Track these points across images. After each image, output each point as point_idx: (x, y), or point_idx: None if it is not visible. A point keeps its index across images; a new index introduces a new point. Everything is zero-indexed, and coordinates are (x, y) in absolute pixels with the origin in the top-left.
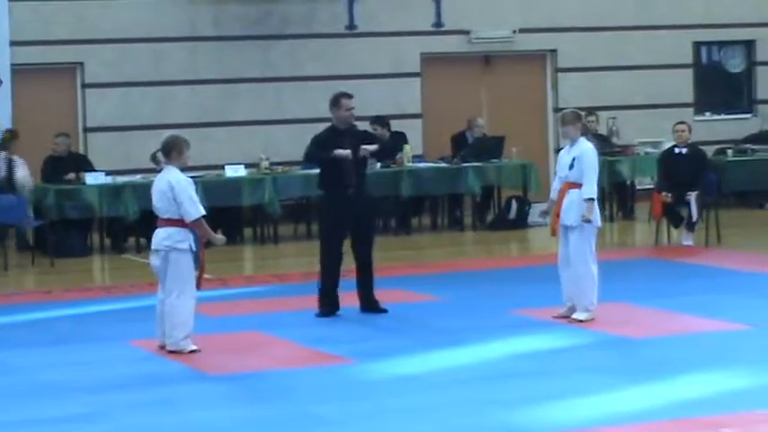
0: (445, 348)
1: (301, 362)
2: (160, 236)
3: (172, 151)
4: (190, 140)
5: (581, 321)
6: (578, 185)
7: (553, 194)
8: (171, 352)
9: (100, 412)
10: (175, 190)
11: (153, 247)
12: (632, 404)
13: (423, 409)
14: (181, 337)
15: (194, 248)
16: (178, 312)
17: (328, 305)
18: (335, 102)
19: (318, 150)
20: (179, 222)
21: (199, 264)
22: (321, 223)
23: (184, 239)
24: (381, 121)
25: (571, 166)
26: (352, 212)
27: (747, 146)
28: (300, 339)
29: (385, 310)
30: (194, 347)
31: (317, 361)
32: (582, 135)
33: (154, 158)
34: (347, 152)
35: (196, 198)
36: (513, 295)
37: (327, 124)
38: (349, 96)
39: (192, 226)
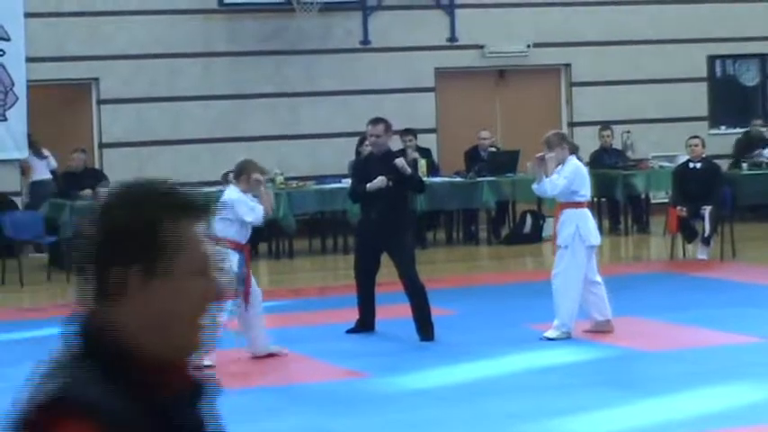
0: (460, 362)
1: (317, 376)
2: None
3: (242, 174)
4: (204, 155)
5: (550, 339)
6: (571, 204)
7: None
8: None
9: None
10: (235, 206)
11: None
12: (647, 418)
13: (437, 423)
14: None
15: (237, 270)
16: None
17: (358, 321)
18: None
19: (354, 185)
20: (230, 243)
21: (243, 283)
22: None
23: (234, 261)
24: (411, 132)
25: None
26: (377, 234)
27: (763, 159)
28: (316, 354)
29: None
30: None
31: (332, 375)
32: (571, 154)
33: (225, 179)
34: (379, 181)
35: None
36: (528, 309)
37: (342, 140)
38: (375, 122)
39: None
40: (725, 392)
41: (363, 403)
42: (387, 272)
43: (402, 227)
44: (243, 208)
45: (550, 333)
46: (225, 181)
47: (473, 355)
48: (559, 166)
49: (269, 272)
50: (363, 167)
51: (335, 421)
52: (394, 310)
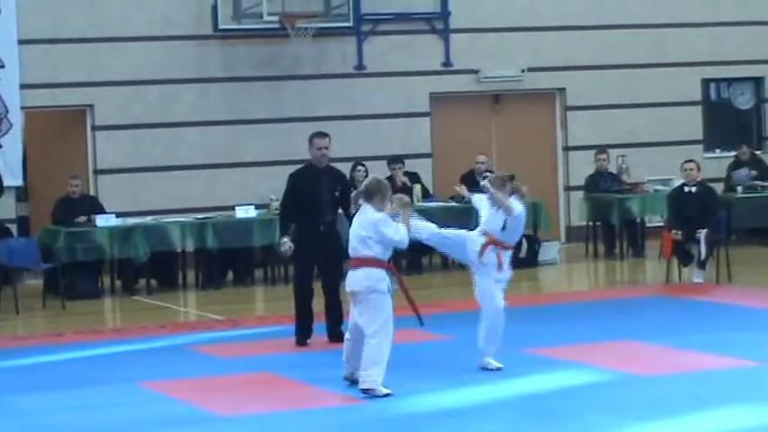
0: (457, 388)
1: (313, 402)
2: (358, 276)
3: (376, 195)
4: (200, 181)
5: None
6: (509, 247)
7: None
8: (364, 390)
9: None
10: (379, 225)
11: (350, 288)
12: None
13: None
14: (378, 379)
15: (390, 288)
16: (377, 352)
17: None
18: (310, 140)
19: (282, 220)
20: (375, 262)
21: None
22: (294, 258)
23: (382, 279)
24: (399, 160)
25: (503, 228)
26: (323, 248)
27: (757, 183)
28: (312, 380)
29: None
30: (387, 391)
31: (328, 401)
32: (511, 195)
33: (355, 200)
34: (287, 248)
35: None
36: (524, 334)
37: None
38: (322, 136)
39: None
40: (722, 416)
41: (361, 430)
42: None
43: (341, 241)
44: (390, 229)
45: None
46: (356, 202)
47: (470, 380)
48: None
49: (265, 298)
50: (308, 176)
51: None
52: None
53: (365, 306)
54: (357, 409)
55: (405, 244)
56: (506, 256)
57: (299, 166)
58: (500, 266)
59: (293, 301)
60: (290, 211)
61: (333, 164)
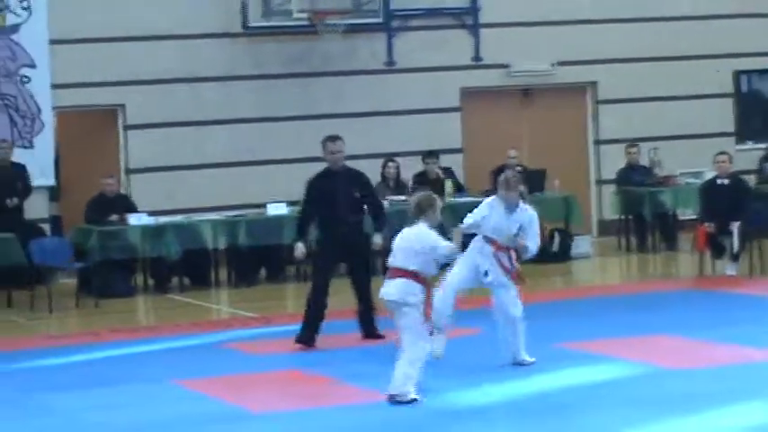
0: (487, 383)
1: (344, 399)
2: (392, 287)
3: (428, 210)
4: (231, 179)
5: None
6: (511, 250)
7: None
8: (391, 396)
9: None
10: (431, 238)
11: (385, 297)
12: None
13: None
14: (410, 388)
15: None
16: (407, 363)
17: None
18: (323, 144)
19: (299, 225)
20: (411, 275)
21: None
22: (315, 258)
23: (417, 293)
24: (434, 155)
25: (517, 234)
26: (348, 250)
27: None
28: (343, 376)
29: (382, 336)
30: (415, 397)
31: (359, 398)
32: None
33: (417, 214)
34: (300, 253)
35: None
36: (557, 328)
37: (368, 161)
38: (334, 140)
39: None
40: (757, 409)
41: (388, 426)
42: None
43: (368, 243)
44: (443, 245)
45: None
46: (417, 216)
47: (500, 374)
48: (502, 209)
49: (296, 294)
50: (325, 180)
51: None
52: None
53: (398, 316)
54: (387, 406)
55: (455, 257)
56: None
57: (318, 170)
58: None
59: (309, 298)
60: (308, 217)
61: (363, 160)
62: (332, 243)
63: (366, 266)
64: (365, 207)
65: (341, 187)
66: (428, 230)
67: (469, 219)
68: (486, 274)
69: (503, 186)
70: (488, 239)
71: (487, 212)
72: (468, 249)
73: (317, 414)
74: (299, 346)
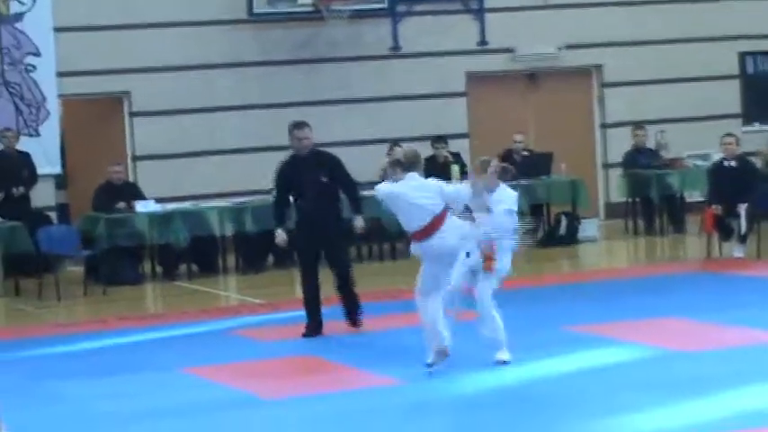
0: (497, 367)
1: (354, 384)
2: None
3: (416, 165)
4: (237, 165)
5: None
6: None
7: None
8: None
9: None
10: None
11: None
12: (687, 418)
13: (474, 429)
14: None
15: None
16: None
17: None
18: (289, 131)
19: (275, 212)
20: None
21: None
22: (295, 244)
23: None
24: (442, 140)
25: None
26: (321, 234)
27: None
28: (352, 362)
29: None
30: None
31: (369, 383)
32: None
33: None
34: (282, 239)
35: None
36: (565, 312)
37: (374, 147)
38: (300, 126)
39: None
40: (766, 391)
41: (403, 411)
42: (388, 280)
43: (340, 227)
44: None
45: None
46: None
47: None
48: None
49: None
50: (293, 167)
51: (376, 430)
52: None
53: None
54: (397, 391)
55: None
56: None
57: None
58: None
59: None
60: (282, 203)
61: (369, 145)
62: (305, 229)
63: (342, 252)
64: (339, 190)
65: (307, 173)
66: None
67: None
68: (467, 255)
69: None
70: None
71: None
72: None
73: (327, 399)
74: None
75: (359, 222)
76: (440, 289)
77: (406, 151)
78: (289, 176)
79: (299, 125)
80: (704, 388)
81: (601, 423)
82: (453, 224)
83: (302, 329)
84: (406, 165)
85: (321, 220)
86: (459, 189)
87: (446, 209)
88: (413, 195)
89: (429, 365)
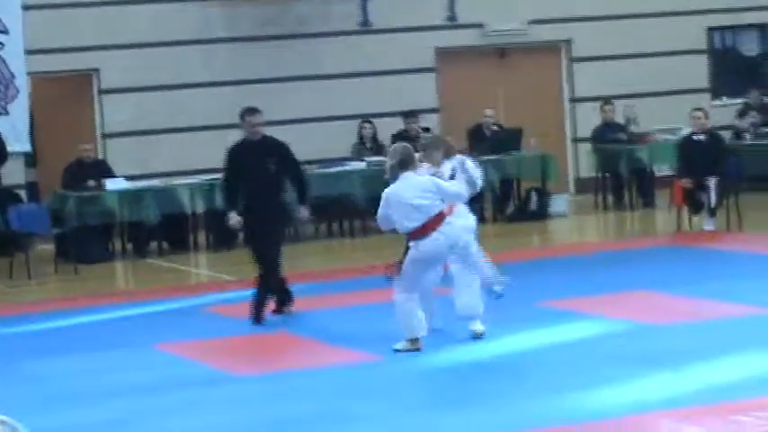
0: (471, 342)
1: (329, 360)
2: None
3: (412, 162)
4: (208, 142)
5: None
6: None
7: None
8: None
9: (131, 417)
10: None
11: (456, 236)
12: (659, 391)
13: (453, 402)
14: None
15: None
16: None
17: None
18: (241, 118)
19: (227, 194)
20: None
21: None
22: (244, 235)
23: None
24: (414, 115)
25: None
26: (263, 220)
27: (765, 129)
28: (327, 337)
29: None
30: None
31: (344, 358)
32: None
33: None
34: (236, 221)
35: None
36: (538, 287)
37: (344, 122)
38: (253, 112)
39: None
40: (738, 363)
41: (380, 386)
42: (360, 256)
43: (285, 214)
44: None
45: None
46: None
47: (486, 333)
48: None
49: None
50: (243, 152)
51: (353, 405)
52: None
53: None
54: (372, 366)
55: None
56: None
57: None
58: None
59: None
60: (233, 186)
61: (340, 121)
62: (251, 215)
63: (276, 245)
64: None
65: (258, 159)
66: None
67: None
68: None
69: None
70: None
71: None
72: None
73: (300, 375)
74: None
75: (304, 212)
76: (420, 288)
77: (399, 150)
78: (240, 161)
79: (251, 111)
80: (677, 361)
81: (576, 396)
82: (450, 224)
83: (274, 306)
84: (401, 164)
85: (266, 209)
86: (459, 189)
87: (441, 210)
88: (408, 195)
89: (397, 351)
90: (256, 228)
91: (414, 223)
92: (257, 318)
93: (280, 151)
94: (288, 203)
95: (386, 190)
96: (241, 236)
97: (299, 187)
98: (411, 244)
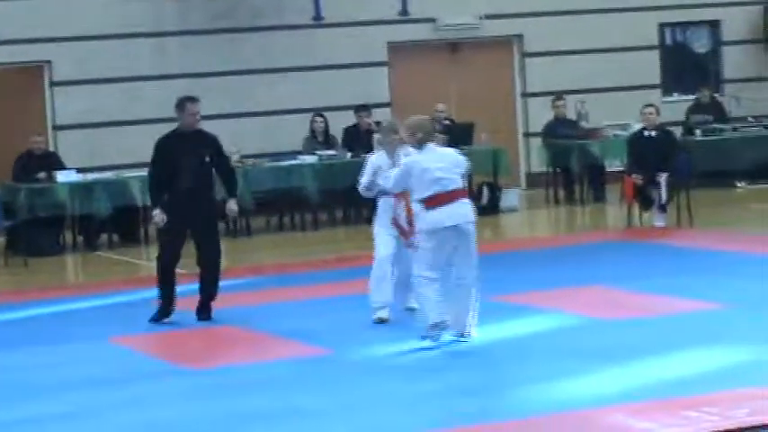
0: (422, 336)
1: (280, 353)
2: (468, 209)
3: (432, 133)
4: (159, 135)
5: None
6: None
7: None
8: (461, 336)
9: (84, 411)
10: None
11: (467, 219)
12: (611, 386)
13: (403, 396)
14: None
15: None
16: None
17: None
18: (181, 106)
19: (153, 189)
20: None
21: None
22: (161, 230)
23: None
24: (366, 108)
25: None
26: (195, 219)
27: (715, 125)
28: (278, 331)
29: (207, 318)
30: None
31: (296, 352)
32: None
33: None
34: (160, 219)
35: None
36: (488, 282)
37: (297, 116)
38: (194, 100)
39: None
40: (689, 359)
41: (330, 380)
42: (310, 250)
43: (214, 211)
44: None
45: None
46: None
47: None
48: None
49: (227, 250)
50: (175, 144)
51: (304, 399)
52: (352, 286)
53: (468, 241)
54: (324, 360)
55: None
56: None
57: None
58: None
59: (157, 274)
60: (160, 180)
61: (292, 115)
62: (179, 212)
63: (215, 237)
64: (214, 172)
65: (190, 152)
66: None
67: (364, 178)
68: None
69: (380, 136)
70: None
71: (377, 167)
72: (379, 213)
73: (253, 368)
74: (235, 301)
75: (233, 206)
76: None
77: (425, 123)
78: (170, 154)
79: (192, 99)
80: (626, 355)
81: (529, 390)
82: (462, 205)
83: (225, 300)
84: (428, 135)
85: (197, 203)
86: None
87: (458, 188)
88: (432, 167)
89: (423, 337)
90: (183, 225)
91: (428, 192)
92: (167, 312)
93: (215, 144)
94: (216, 199)
95: (407, 160)
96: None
97: (230, 181)
98: (420, 215)
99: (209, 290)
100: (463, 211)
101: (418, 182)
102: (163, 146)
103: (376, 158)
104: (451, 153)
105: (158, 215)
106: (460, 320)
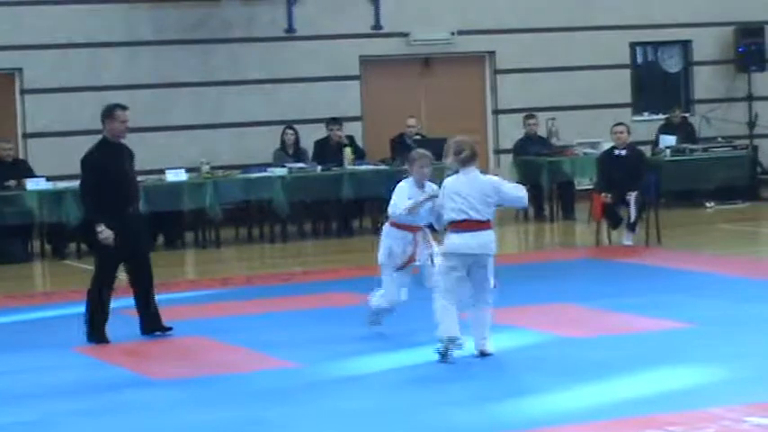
0: (392, 351)
1: (247, 366)
2: (487, 238)
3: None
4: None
5: None
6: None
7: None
8: (484, 353)
9: (47, 420)
10: (500, 186)
11: (484, 251)
12: (578, 404)
13: (370, 411)
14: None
15: None
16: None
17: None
18: (110, 113)
19: (94, 206)
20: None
21: None
22: (102, 248)
23: None
24: (337, 122)
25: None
26: (134, 237)
27: (685, 145)
28: (246, 343)
29: (170, 328)
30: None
31: (263, 365)
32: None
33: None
34: (108, 236)
35: None
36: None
37: (267, 128)
38: (124, 108)
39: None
40: (654, 378)
41: (297, 393)
42: (279, 263)
43: (145, 223)
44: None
45: None
46: (468, 163)
47: (403, 342)
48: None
49: (195, 261)
50: (108, 159)
51: (269, 411)
52: (321, 299)
53: (489, 268)
54: (292, 373)
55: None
56: None
57: (96, 143)
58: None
59: (96, 295)
60: (101, 194)
61: (263, 127)
62: (118, 231)
63: (148, 259)
64: None
65: (125, 164)
66: (491, 178)
67: (400, 203)
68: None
69: (414, 163)
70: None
71: (407, 194)
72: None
73: (218, 380)
74: (203, 312)
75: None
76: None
77: (470, 143)
78: (110, 167)
79: (123, 107)
80: (593, 374)
81: (496, 407)
82: (485, 235)
83: (193, 311)
84: (472, 156)
85: (134, 219)
86: (518, 192)
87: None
88: (466, 192)
89: (437, 352)
90: (126, 247)
91: (455, 216)
92: (100, 336)
93: (132, 156)
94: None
95: (446, 181)
96: (160, 239)
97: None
98: (446, 236)
99: (153, 308)
100: (484, 240)
101: (450, 203)
102: (98, 159)
103: (408, 187)
104: (487, 182)
105: (105, 232)
106: (478, 340)
